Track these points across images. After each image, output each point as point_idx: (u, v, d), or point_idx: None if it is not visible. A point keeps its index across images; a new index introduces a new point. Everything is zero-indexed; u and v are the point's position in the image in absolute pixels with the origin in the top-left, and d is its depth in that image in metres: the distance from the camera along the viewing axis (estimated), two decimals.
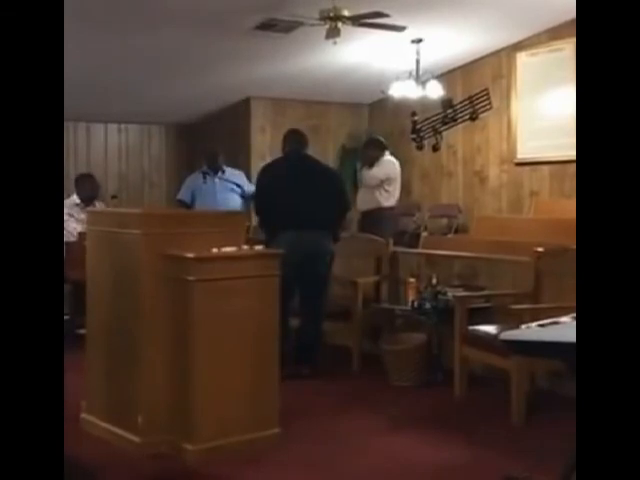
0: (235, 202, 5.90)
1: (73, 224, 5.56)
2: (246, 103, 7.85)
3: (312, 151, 4.87)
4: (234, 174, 6.13)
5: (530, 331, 2.49)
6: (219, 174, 6.00)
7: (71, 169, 7.75)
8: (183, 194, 6.07)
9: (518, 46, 6.89)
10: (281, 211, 4.51)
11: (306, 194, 4.51)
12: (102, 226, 3.60)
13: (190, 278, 3.25)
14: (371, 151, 6.36)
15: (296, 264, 4.18)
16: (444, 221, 7.36)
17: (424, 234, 6.66)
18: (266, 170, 4.80)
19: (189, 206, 5.90)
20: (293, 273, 4.07)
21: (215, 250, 3.33)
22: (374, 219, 6.08)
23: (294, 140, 4.76)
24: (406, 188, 7.82)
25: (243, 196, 5.99)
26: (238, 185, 6.01)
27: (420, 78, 6.63)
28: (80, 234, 4.82)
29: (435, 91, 6.68)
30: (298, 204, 4.48)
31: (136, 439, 3.30)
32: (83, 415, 3.62)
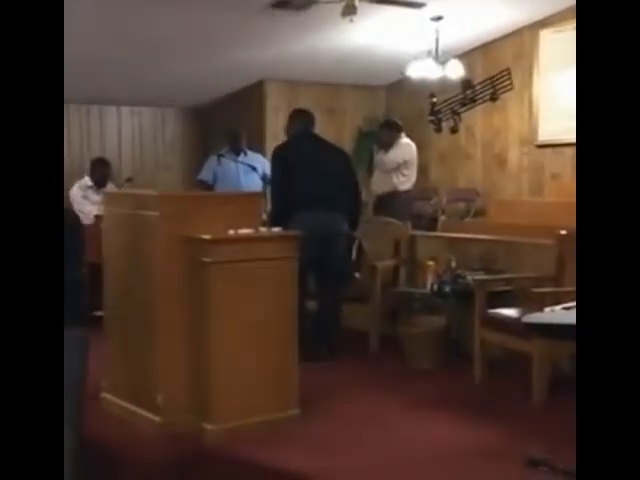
0: (256, 185, 5.85)
1: (88, 206, 5.56)
2: (260, 85, 7.76)
3: (327, 134, 4.81)
4: (254, 156, 6.08)
5: (555, 314, 2.45)
6: (241, 156, 5.95)
7: (85, 153, 7.73)
8: (204, 174, 6.00)
9: (541, 23, 6.75)
10: (294, 192, 4.46)
11: (319, 175, 4.47)
12: (119, 208, 3.59)
13: (207, 260, 3.24)
14: (387, 133, 6.26)
15: (312, 245, 4.13)
16: (462, 205, 7.27)
17: (442, 218, 6.59)
18: (276, 155, 4.73)
19: (210, 187, 5.85)
20: (309, 254, 4.02)
21: (232, 232, 3.32)
22: (390, 202, 6.00)
23: (301, 119, 4.70)
24: (423, 171, 7.72)
25: (263, 179, 5.94)
26: (255, 168, 5.96)
27: (439, 58, 6.52)
28: (96, 217, 4.81)
29: (455, 71, 6.56)
30: (312, 185, 4.44)
31: (156, 418, 3.33)
32: (103, 394, 3.64)
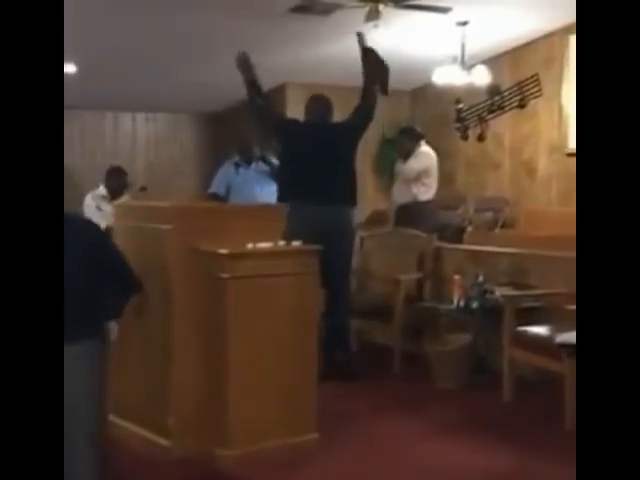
0: (273, 195, 5.58)
1: (100, 218, 5.39)
2: (281, 90, 7.65)
3: None
4: (271, 163, 5.86)
5: None
6: (253, 165, 5.73)
7: (98, 160, 7.63)
8: (216, 186, 5.73)
9: (572, 28, 6.56)
10: (297, 183, 4.24)
11: (324, 165, 4.25)
12: (130, 220, 3.47)
13: (223, 275, 3.12)
14: (405, 142, 6.09)
15: (314, 242, 3.58)
16: (490, 215, 7.08)
17: (469, 228, 6.39)
18: (281, 137, 4.51)
19: (223, 199, 5.58)
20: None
21: (250, 246, 3.19)
22: (412, 213, 5.83)
23: (314, 107, 4.49)
24: (450, 180, 7.56)
25: None
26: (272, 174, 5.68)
27: (466, 63, 6.34)
28: (107, 229, 4.68)
29: (482, 77, 6.39)
30: (315, 176, 4.23)
31: (166, 443, 3.20)
32: (110, 417, 3.51)
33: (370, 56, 4.49)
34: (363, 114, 4.47)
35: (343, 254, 4.34)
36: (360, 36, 4.63)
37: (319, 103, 4.54)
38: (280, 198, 4.30)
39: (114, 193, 5.64)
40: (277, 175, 4.64)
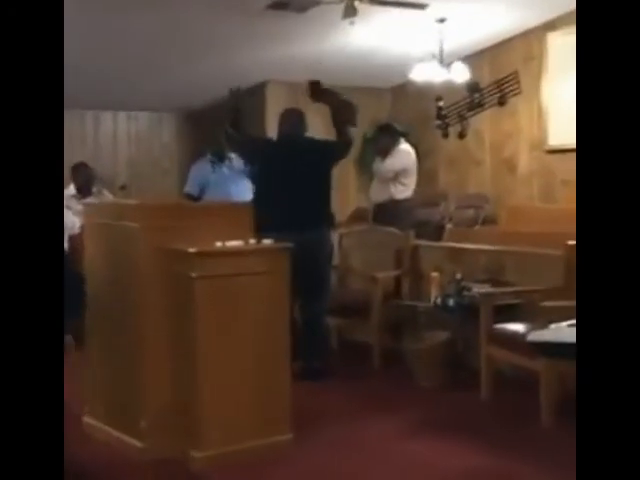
0: (248, 193, 5.51)
1: (71, 217, 5.32)
2: (261, 87, 7.60)
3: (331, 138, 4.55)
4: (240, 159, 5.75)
5: (559, 331, 2.27)
6: (226, 163, 5.65)
7: (78, 159, 7.56)
8: (190, 186, 5.65)
9: (550, 25, 6.56)
10: (271, 208, 4.05)
11: (294, 188, 4.21)
12: (99, 218, 3.43)
13: (193, 274, 3.08)
14: (384, 139, 5.95)
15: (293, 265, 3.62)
16: (471, 212, 7.06)
17: (449, 226, 6.36)
18: (255, 156, 4.52)
19: (197, 199, 5.48)
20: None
21: (219, 244, 3.15)
22: (389, 211, 5.72)
23: (287, 121, 4.46)
24: (431, 177, 7.53)
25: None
26: (245, 171, 5.57)
27: (444, 61, 6.32)
28: (82, 227, 4.63)
29: (461, 74, 6.37)
30: (292, 201, 4.20)
31: (139, 444, 3.16)
32: (85, 418, 3.48)
33: (331, 99, 4.42)
34: (341, 148, 4.44)
35: (320, 268, 4.33)
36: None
37: (292, 116, 4.49)
38: (258, 228, 4.24)
39: (82, 189, 5.56)
40: (254, 199, 4.55)
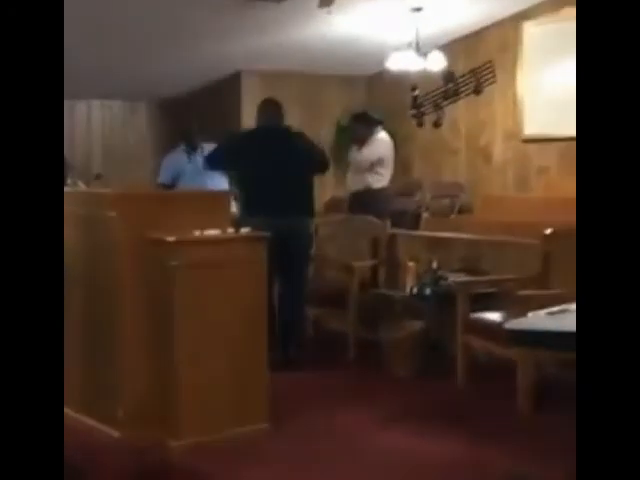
0: (222, 184, 5.49)
1: None
2: (236, 77, 7.55)
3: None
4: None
5: (537, 320, 2.29)
6: (198, 152, 5.60)
7: None
8: (163, 176, 5.61)
9: (524, 15, 6.59)
10: (251, 196, 4.25)
11: (277, 175, 4.24)
12: (74, 208, 3.36)
13: (171, 263, 3.08)
14: (359, 128, 5.92)
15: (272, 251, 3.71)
16: (446, 201, 7.08)
17: (425, 215, 6.38)
18: (231, 146, 4.54)
19: (171, 189, 5.41)
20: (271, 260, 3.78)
21: (197, 233, 3.14)
22: (365, 200, 5.70)
23: (265, 112, 4.46)
24: (407, 166, 7.54)
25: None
26: None
27: (421, 50, 6.31)
28: None
29: (437, 63, 6.37)
30: (269, 187, 4.23)
31: (116, 434, 3.17)
32: None
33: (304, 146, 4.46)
34: (323, 161, 4.55)
35: (300, 255, 4.36)
36: None
37: (270, 107, 4.49)
38: (241, 214, 4.27)
39: None
40: (237, 191, 4.57)
